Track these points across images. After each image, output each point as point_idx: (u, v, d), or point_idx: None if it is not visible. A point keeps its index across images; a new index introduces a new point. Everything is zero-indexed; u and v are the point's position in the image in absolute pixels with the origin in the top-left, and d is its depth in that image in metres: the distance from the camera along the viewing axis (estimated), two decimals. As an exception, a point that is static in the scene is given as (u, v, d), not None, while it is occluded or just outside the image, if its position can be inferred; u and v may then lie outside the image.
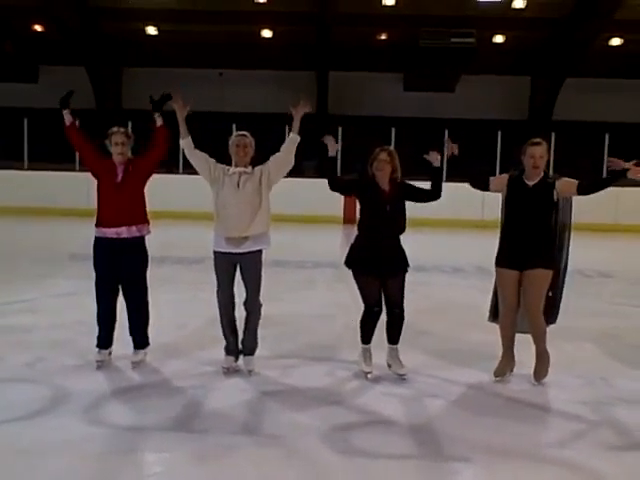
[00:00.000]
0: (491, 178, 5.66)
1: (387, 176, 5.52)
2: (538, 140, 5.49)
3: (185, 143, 5.66)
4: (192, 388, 5.29)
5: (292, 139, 5.61)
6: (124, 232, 5.62)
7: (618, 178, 5.36)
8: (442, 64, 24.87)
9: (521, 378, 5.63)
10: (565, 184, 5.42)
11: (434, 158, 5.63)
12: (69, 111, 5.83)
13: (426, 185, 5.57)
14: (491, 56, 25.12)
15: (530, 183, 5.45)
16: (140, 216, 5.73)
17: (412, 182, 5.64)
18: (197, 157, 5.65)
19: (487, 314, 5.86)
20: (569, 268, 5.68)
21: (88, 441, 4.28)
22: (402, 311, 5.59)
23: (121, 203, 5.61)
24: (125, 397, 5.11)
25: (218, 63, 25.68)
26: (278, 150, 5.63)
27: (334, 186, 5.58)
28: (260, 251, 5.63)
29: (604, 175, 5.72)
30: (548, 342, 5.58)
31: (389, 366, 5.71)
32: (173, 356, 6.06)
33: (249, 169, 5.61)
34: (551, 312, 5.63)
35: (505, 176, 5.62)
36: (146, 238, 5.78)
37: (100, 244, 5.69)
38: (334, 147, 5.58)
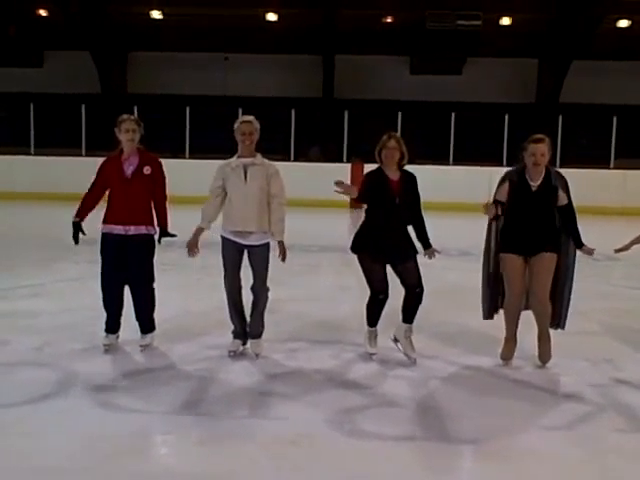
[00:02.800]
0: (497, 196, 5.56)
1: (396, 163, 5.53)
2: (540, 137, 5.39)
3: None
4: (199, 372, 5.32)
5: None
6: (132, 230, 5.61)
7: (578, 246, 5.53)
8: (449, 47, 24.73)
9: (526, 360, 5.65)
10: (559, 194, 5.43)
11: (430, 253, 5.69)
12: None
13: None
14: (498, 38, 24.96)
15: (534, 185, 5.40)
16: (150, 216, 5.70)
17: (416, 187, 5.63)
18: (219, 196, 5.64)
19: (481, 312, 5.85)
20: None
21: (95, 424, 4.31)
22: (422, 290, 5.54)
23: (130, 200, 5.57)
24: (132, 380, 5.14)
25: (223, 47, 25.56)
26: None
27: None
28: (267, 243, 5.64)
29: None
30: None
31: (395, 340, 5.72)
32: (180, 340, 6.08)
33: (257, 158, 5.58)
34: (560, 313, 5.65)
35: (505, 186, 5.51)
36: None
37: (107, 239, 5.66)
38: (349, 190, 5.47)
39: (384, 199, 5.50)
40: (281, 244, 5.61)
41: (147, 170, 5.61)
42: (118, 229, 5.59)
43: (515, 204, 5.48)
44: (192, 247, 5.64)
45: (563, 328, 5.68)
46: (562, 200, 5.44)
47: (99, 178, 5.74)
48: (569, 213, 5.47)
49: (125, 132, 5.58)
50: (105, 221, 5.66)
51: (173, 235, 5.85)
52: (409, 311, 5.62)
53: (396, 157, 5.51)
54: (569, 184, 5.52)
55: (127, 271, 5.68)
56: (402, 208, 5.52)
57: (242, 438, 4.15)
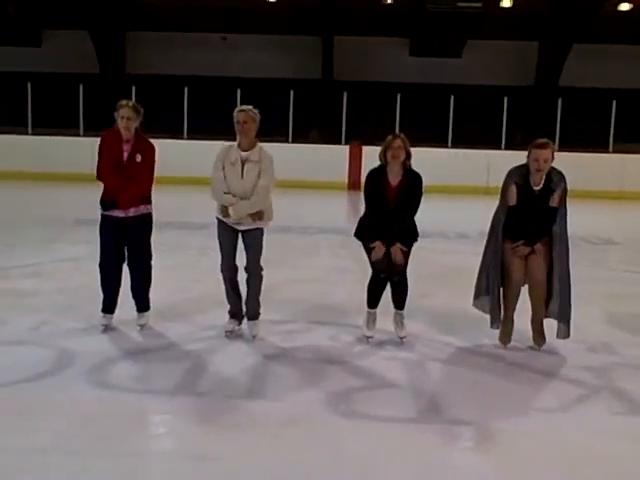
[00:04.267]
0: (509, 200, 5.52)
1: (400, 163, 5.49)
2: (544, 142, 5.39)
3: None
4: (196, 351, 5.33)
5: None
6: (132, 212, 5.63)
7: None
8: (449, 29, 24.58)
9: (522, 343, 5.67)
10: (553, 197, 5.45)
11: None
12: None
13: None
14: (498, 21, 24.79)
15: (536, 189, 5.44)
16: (147, 197, 5.72)
17: (417, 187, 5.53)
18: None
19: (472, 299, 5.85)
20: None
21: (92, 403, 4.33)
22: (404, 279, 5.62)
23: (126, 185, 5.57)
24: (129, 360, 5.15)
25: (221, 27, 25.39)
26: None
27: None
28: (260, 227, 5.63)
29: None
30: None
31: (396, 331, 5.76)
32: (177, 320, 6.09)
33: (254, 153, 5.51)
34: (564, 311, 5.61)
35: (513, 189, 5.48)
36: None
37: (107, 221, 5.68)
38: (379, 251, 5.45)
39: (379, 204, 5.51)
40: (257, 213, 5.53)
41: (138, 158, 5.61)
42: (117, 212, 5.61)
43: (519, 204, 5.50)
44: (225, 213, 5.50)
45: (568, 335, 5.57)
46: (551, 202, 5.46)
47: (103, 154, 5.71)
48: (552, 216, 5.47)
49: (121, 119, 5.55)
50: (103, 205, 5.65)
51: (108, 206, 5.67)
52: (395, 298, 5.72)
53: (401, 157, 5.46)
54: (567, 176, 5.52)
55: (126, 249, 5.70)
56: (397, 212, 5.50)
57: (238, 419, 4.16)
